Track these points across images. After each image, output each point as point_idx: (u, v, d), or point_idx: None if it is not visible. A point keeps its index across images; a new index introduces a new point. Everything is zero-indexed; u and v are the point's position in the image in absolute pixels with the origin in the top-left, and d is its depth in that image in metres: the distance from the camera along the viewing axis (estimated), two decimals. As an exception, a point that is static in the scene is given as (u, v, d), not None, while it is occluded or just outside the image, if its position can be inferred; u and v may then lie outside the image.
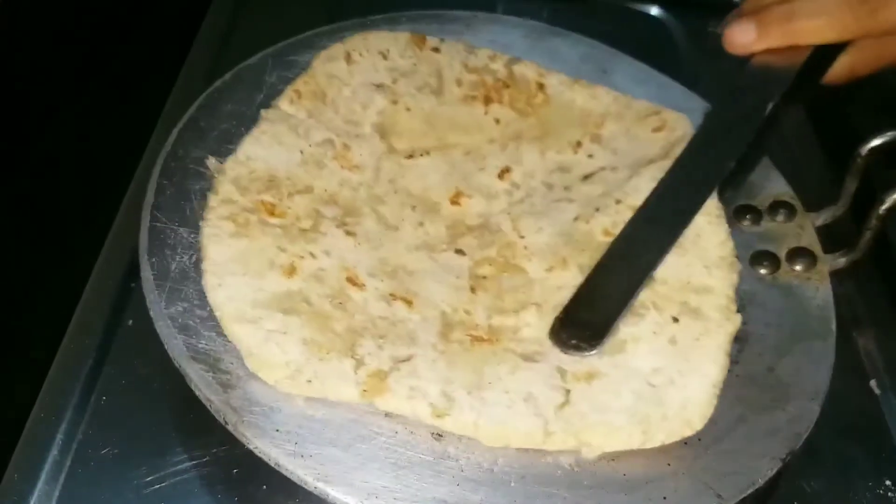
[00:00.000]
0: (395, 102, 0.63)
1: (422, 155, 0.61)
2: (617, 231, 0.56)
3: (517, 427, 0.46)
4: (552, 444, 0.46)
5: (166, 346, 0.47)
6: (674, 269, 0.54)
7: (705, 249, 0.54)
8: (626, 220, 0.56)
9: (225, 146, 0.58)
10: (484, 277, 0.55)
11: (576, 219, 0.58)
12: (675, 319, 0.51)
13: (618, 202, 0.58)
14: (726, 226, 0.56)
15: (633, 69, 0.70)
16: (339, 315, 0.50)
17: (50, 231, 0.63)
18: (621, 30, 0.84)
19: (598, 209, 0.58)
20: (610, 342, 0.51)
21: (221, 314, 0.48)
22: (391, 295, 0.52)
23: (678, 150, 0.60)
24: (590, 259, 0.55)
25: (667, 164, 0.59)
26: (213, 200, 0.54)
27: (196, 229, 0.53)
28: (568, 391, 0.48)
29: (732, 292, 0.53)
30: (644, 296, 0.52)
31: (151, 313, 0.48)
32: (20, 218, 0.61)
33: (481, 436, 0.46)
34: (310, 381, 0.46)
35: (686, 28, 0.89)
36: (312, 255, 0.52)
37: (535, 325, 0.52)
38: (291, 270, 0.51)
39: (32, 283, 0.61)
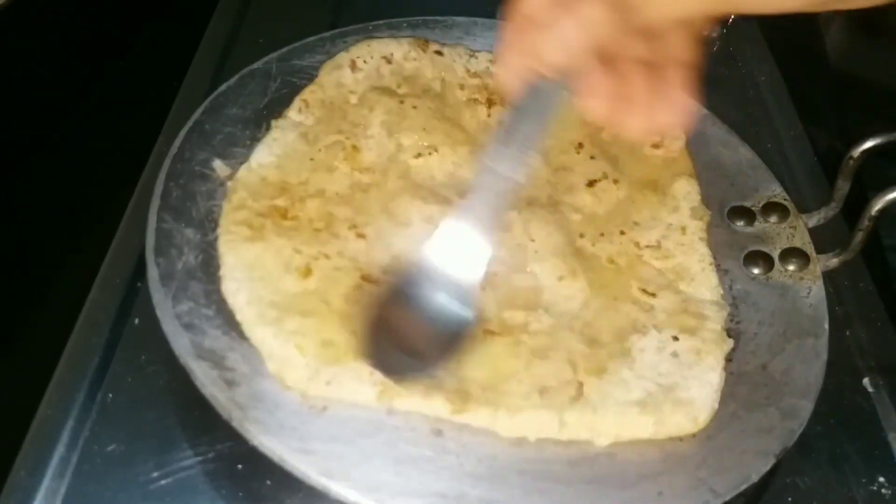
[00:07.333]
0: (401, 102, 0.64)
1: (430, 153, 0.62)
2: (621, 261, 0.58)
3: (534, 418, 0.47)
4: (567, 433, 0.48)
5: (172, 345, 0.48)
6: (671, 301, 0.55)
7: (698, 291, 0.56)
8: (629, 253, 0.58)
9: (230, 149, 0.59)
10: (494, 274, 0.56)
11: (582, 235, 0.59)
12: (675, 338, 0.53)
13: (622, 233, 0.59)
14: (716, 273, 0.57)
15: (630, 73, 0.71)
16: (356, 312, 0.50)
17: (58, 231, 0.64)
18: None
19: (602, 234, 0.59)
20: (616, 349, 0.52)
21: (242, 318, 0.49)
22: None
23: (676, 176, 0.63)
24: (597, 276, 0.56)
25: (667, 199, 0.62)
26: (226, 207, 0.55)
27: (202, 230, 0.54)
28: (580, 384, 0.49)
29: (722, 325, 0.54)
30: (644, 319, 0.54)
31: (157, 312, 0.49)
32: (28, 218, 0.62)
33: (499, 427, 0.47)
34: (328, 383, 0.47)
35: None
36: (327, 256, 0.53)
37: (546, 321, 0.53)
38: (307, 272, 0.52)
39: (41, 282, 0.61)
